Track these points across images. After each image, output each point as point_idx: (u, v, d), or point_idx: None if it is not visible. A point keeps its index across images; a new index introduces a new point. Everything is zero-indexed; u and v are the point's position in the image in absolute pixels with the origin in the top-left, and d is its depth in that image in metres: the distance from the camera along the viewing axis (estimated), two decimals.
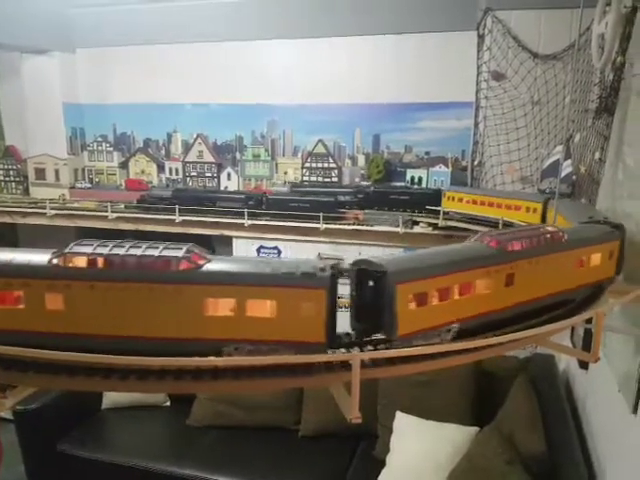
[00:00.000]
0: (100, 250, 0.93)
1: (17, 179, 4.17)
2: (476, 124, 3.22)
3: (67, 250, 0.93)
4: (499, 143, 3.12)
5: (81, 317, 0.92)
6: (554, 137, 3.01)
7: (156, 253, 0.92)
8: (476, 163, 3.24)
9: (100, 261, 0.92)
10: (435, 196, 3.15)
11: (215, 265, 0.93)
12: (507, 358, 2.90)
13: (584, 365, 2.40)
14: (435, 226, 3.02)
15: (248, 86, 3.82)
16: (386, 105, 3.57)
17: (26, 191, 4.15)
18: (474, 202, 2.91)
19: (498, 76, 3.05)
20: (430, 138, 3.51)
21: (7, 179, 4.20)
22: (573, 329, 2.41)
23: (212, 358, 0.91)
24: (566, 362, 2.94)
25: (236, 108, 3.90)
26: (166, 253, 0.93)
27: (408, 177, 3.53)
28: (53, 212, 3.68)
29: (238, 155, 3.99)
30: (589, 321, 1.32)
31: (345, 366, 0.93)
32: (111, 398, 3.45)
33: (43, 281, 0.91)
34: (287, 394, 3.21)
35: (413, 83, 3.48)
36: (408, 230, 3.13)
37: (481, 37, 3.11)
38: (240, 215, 3.35)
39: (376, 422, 3.00)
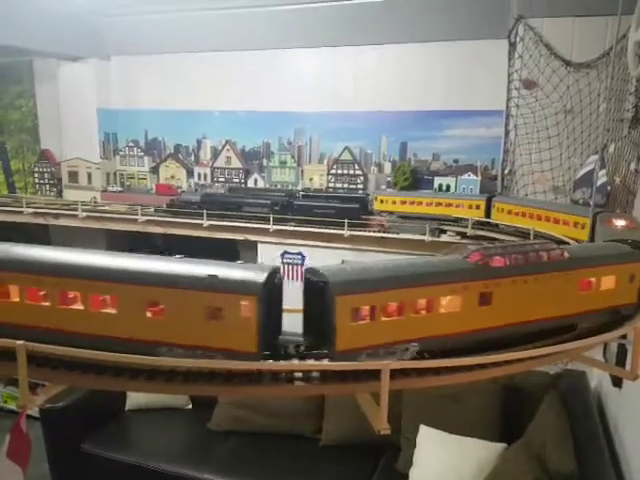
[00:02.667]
0: (499, 250, 1.06)
1: (51, 182, 4.30)
2: (507, 132, 3.17)
3: (487, 253, 1.04)
4: (530, 152, 3.05)
5: (503, 311, 1.03)
6: (587, 147, 2.94)
7: (535, 248, 1.09)
8: (506, 172, 3.19)
9: (511, 259, 1.04)
10: (362, 201, 3.46)
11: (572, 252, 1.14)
12: (537, 373, 2.81)
13: (618, 382, 2.31)
14: (463, 235, 2.96)
15: (276, 94, 3.85)
16: (413, 112, 3.54)
17: (60, 193, 4.27)
18: (411, 203, 3.17)
19: (529, 84, 2.99)
20: (459, 146, 3.46)
21: (42, 182, 4.32)
22: (606, 345, 2.33)
23: (226, 361, 0.90)
24: (598, 379, 2.84)
25: (264, 115, 3.93)
26: (544, 247, 1.11)
27: (436, 185, 3.49)
28: (84, 214, 3.76)
29: (265, 161, 4.02)
30: (622, 337, 1.27)
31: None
32: (135, 400, 3.48)
33: (477, 282, 1.00)
34: (309, 402, 3.19)
35: (441, 91, 3.45)
36: (435, 238, 3.08)
37: (512, 45, 3.07)
38: (265, 220, 3.37)
39: (399, 435, 2.94)
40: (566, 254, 1.11)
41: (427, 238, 3.06)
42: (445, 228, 3.10)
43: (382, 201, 3.34)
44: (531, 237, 2.45)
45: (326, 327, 0.89)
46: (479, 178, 3.36)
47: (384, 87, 3.59)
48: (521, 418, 2.61)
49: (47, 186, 4.31)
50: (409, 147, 3.62)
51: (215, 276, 0.87)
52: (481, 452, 2.53)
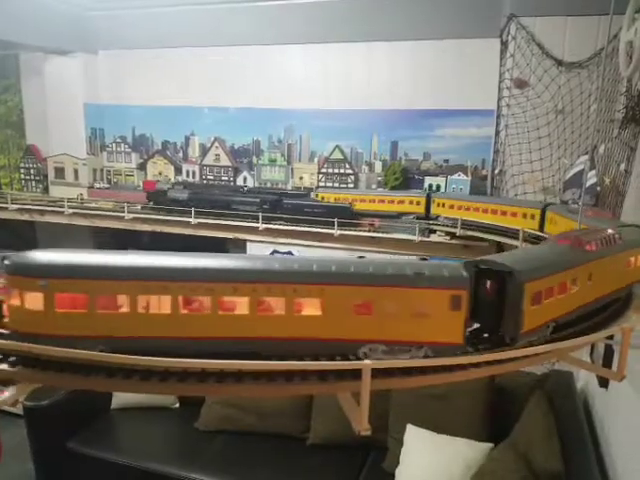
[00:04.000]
0: (586, 238, 1.24)
1: (37, 178, 4.23)
2: (497, 132, 3.16)
3: (583, 240, 1.23)
4: (521, 152, 3.05)
5: (597, 286, 1.22)
6: (577, 147, 2.94)
7: (608, 234, 1.32)
8: (497, 172, 3.18)
9: (599, 244, 1.26)
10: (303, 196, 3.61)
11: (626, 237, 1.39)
12: (524, 373, 2.81)
13: (604, 383, 2.31)
14: (453, 235, 2.95)
15: (266, 91, 3.81)
16: (404, 111, 3.52)
17: (46, 190, 4.20)
18: (353, 200, 3.34)
19: (521, 83, 2.99)
20: (449, 146, 3.45)
21: (27, 178, 4.25)
22: (593, 345, 2.33)
23: (216, 361, 0.87)
24: (585, 379, 2.85)
25: (254, 112, 3.89)
26: (606, 233, 1.32)
27: (426, 184, 3.48)
28: (71, 211, 3.70)
29: (255, 159, 3.99)
30: (609, 338, 1.27)
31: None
32: (121, 398, 3.44)
33: (588, 264, 1.19)
34: (297, 401, 3.17)
35: (432, 90, 3.43)
36: (424, 238, 3.07)
37: (504, 44, 3.06)
38: (255, 218, 3.33)
39: (386, 434, 2.93)
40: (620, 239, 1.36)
41: (417, 238, 3.05)
42: (435, 228, 3.09)
43: (323, 199, 3.44)
44: (520, 235, 2.44)
45: (511, 312, 0.99)
46: (469, 178, 3.35)
47: (375, 85, 3.56)
48: (508, 418, 2.61)
49: (33, 182, 4.25)
50: (400, 146, 3.60)
51: (422, 273, 0.91)
52: (468, 452, 2.52)
